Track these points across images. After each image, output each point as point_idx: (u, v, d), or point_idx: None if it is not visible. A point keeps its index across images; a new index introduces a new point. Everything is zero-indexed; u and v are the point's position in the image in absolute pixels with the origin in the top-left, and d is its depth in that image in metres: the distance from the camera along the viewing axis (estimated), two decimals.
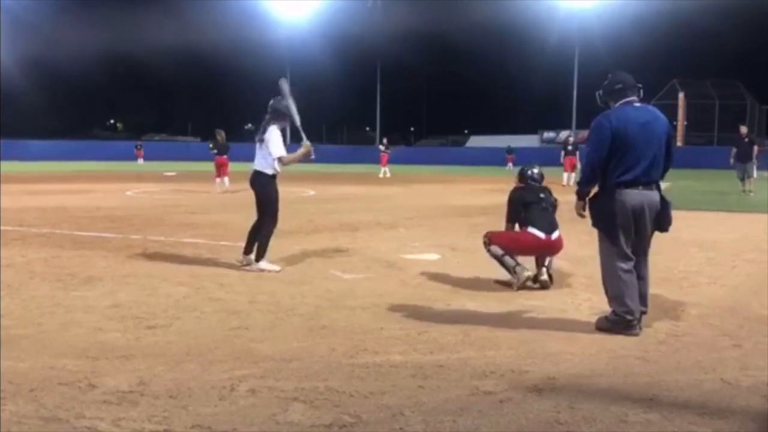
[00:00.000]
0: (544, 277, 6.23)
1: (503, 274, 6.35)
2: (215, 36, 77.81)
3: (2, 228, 10.07)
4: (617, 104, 4.88)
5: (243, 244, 7.41)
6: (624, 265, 4.80)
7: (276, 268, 7.04)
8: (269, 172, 7.12)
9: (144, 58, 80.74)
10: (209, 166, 20.87)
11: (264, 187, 7.10)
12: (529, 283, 6.19)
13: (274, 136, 7.06)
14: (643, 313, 4.88)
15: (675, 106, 55.19)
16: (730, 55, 71.45)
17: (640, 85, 4.98)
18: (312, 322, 5.05)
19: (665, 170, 4.97)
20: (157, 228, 10.58)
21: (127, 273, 6.85)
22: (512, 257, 6.23)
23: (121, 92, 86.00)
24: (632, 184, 4.73)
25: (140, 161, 45.99)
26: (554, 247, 6.28)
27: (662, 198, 4.91)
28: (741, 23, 67.04)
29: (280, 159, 7.01)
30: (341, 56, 77.53)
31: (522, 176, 6.74)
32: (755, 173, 19.32)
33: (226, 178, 19.19)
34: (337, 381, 3.78)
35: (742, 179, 19.37)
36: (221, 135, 19.87)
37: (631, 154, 4.71)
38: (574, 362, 4.18)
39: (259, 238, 7.05)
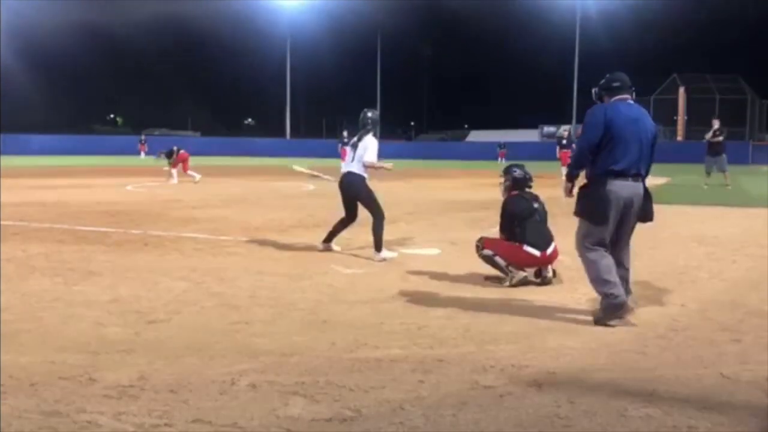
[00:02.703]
0: (549, 274, 6.23)
1: (495, 271, 6.34)
2: (216, 33, 77.66)
3: (2, 222, 10.07)
4: (612, 100, 5.07)
5: (243, 238, 7.47)
6: (601, 251, 4.96)
7: (394, 254, 7.56)
8: (364, 174, 7.68)
9: (144, 53, 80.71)
10: (208, 161, 21.02)
11: (364, 190, 7.68)
12: (531, 278, 6.20)
13: (374, 143, 7.70)
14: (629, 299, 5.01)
15: (675, 101, 55.17)
16: (731, 50, 71.35)
17: (634, 88, 5.16)
18: (312, 317, 5.05)
19: (648, 168, 5.14)
20: (157, 222, 10.58)
21: (128, 267, 6.86)
22: (503, 258, 6.22)
23: (120, 87, 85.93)
24: (622, 174, 4.90)
25: (143, 155, 45.78)
26: (549, 261, 6.24)
27: (646, 190, 5.10)
28: (741, 18, 66.90)
29: (371, 163, 7.64)
30: (341, 51, 77.41)
31: (515, 181, 6.50)
32: (726, 167, 19.36)
33: (174, 171, 20.39)
34: (337, 375, 3.78)
35: (709, 173, 19.42)
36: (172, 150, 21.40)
37: (621, 145, 4.88)
38: (574, 357, 4.18)
39: (374, 231, 7.51)
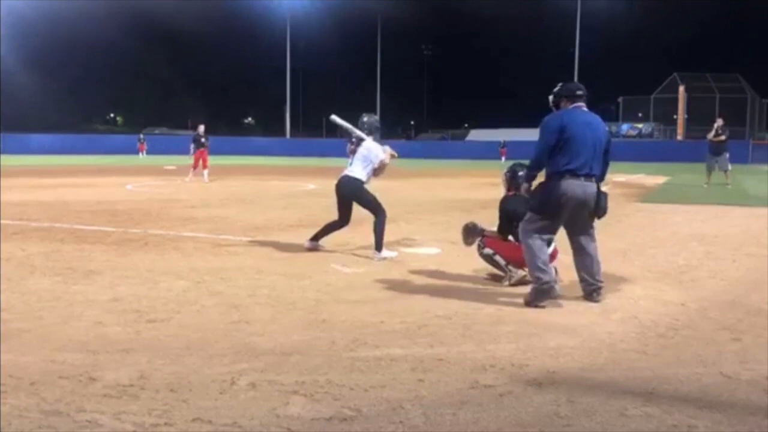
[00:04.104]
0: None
1: (495, 270, 6.34)
2: (215, 32, 77.63)
3: (2, 222, 10.07)
4: (570, 106, 5.60)
5: (243, 237, 7.59)
6: (541, 240, 5.48)
7: (394, 254, 7.59)
8: (363, 178, 7.76)
9: (143, 52, 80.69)
10: (208, 160, 20.94)
11: (363, 193, 7.75)
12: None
13: (374, 145, 7.84)
14: (600, 285, 5.54)
15: (675, 100, 55.17)
16: (731, 49, 71.34)
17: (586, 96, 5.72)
18: (312, 316, 5.05)
19: (604, 172, 5.65)
20: (157, 222, 10.59)
21: (128, 267, 6.86)
22: (503, 257, 6.22)
23: (120, 86, 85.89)
24: (575, 174, 5.38)
25: (142, 155, 45.51)
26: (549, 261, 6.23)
27: (599, 190, 5.55)
28: (741, 17, 66.87)
29: (383, 162, 7.81)
30: (341, 49, 77.39)
31: (513, 182, 6.46)
32: (729, 166, 19.35)
33: (205, 171, 20.25)
34: (337, 374, 3.79)
35: (711, 172, 19.40)
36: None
37: (574, 147, 5.38)
38: (574, 356, 4.19)
39: (376, 231, 7.56)
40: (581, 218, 5.55)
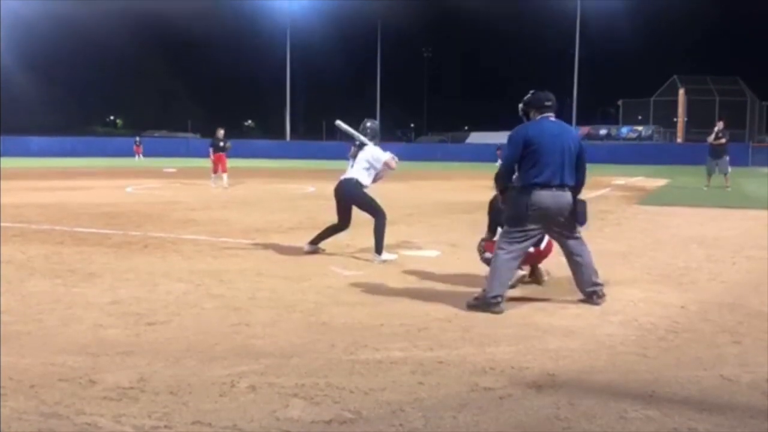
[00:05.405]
0: (545, 277, 6.24)
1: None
2: (215, 35, 77.65)
3: (2, 224, 10.07)
4: (539, 117, 5.60)
5: (243, 240, 7.67)
6: (512, 254, 5.41)
7: (393, 256, 7.60)
8: (366, 183, 7.80)
9: (143, 54, 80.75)
10: (208, 163, 20.86)
11: (362, 196, 7.77)
12: (527, 279, 6.21)
13: (379, 149, 7.87)
14: (598, 288, 5.52)
15: (675, 103, 55.25)
16: (731, 52, 71.42)
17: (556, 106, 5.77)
18: (312, 319, 5.05)
19: (580, 180, 5.58)
20: (157, 224, 10.59)
21: (128, 269, 6.86)
22: None
23: (120, 88, 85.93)
24: (545, 185, 5.36)
25: (139, 157, 44.93)
26: (544, 256, 6.24)
27: (575, 199, 5.52)
28: (741, 20, 66.93)
29: (391, 162, 7.87)
30: (341, 52, 77.46)
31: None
32: (728, 169, 19.38)
33: (219, 175, 19.61)
34: (337, 377, 3.78)
35: (710, 175, 19.43)
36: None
37: (544, 159, 5.37)
38: (574, 358, 4.18)
39: (375, 233, 7.56)
40: (560, 227, 5.53)
